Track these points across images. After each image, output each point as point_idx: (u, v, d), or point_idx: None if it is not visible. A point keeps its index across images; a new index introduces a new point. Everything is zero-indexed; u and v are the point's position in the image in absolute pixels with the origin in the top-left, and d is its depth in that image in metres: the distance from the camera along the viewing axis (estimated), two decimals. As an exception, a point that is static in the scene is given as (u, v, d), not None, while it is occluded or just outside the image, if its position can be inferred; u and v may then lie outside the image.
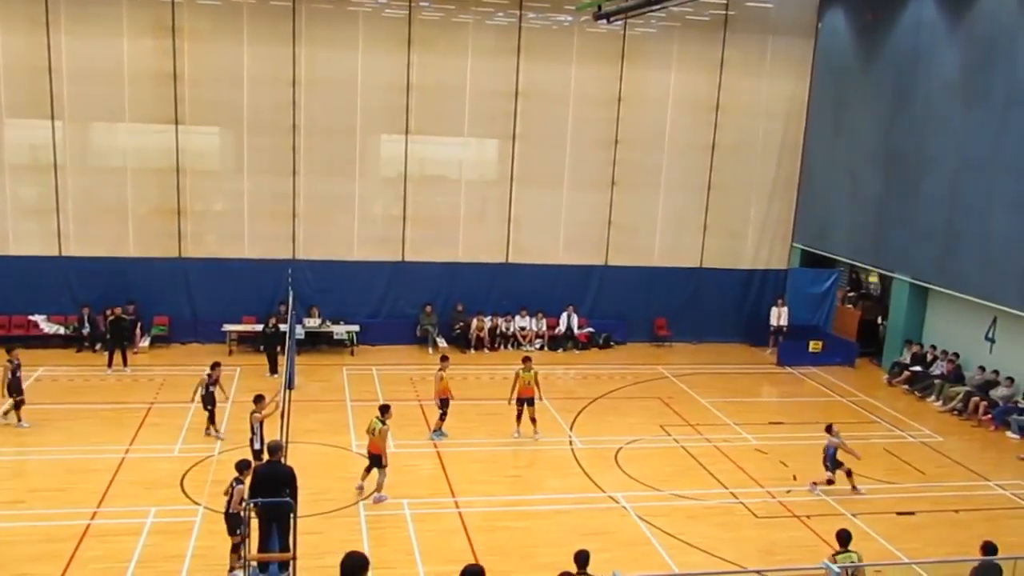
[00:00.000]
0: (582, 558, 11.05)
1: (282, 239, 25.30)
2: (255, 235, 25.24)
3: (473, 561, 13.69)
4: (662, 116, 26.93)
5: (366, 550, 13.82)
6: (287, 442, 13.46)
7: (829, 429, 17.02)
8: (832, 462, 16.81)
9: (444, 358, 19.53)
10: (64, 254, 24.35)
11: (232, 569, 12.61)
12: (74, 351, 23.71)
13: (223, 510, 12.85)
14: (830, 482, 16.83)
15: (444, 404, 18.69)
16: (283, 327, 22.07)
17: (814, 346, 26.02)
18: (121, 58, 23.80)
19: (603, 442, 19.05)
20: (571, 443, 19.02)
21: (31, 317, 24.06)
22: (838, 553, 11.81)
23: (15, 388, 18.18)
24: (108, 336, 22.80)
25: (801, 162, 27.89)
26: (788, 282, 27.73)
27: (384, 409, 15.98)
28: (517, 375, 18.93)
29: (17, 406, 18.27)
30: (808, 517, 15.73)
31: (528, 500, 16.02)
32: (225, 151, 25.47)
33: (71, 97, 23.77)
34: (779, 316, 26.91)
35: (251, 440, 15.65)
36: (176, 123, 24.28)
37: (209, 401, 18.17)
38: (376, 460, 15.70)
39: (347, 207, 25.74)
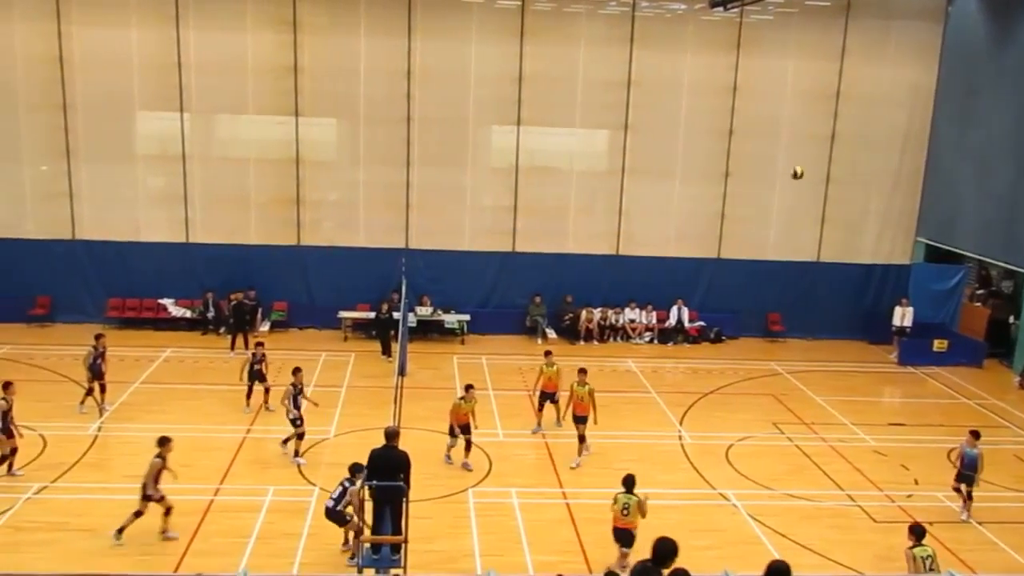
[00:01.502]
0: (629, 480, 12.88)
1: (395, 228, 25.80)
2: (369, 224, 25.83)
3: (580, 551, 13.75)
4: (778, 105, 26.26)
5: (473, 537, 14.07)
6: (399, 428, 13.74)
7: (976, 435, 15.53)
8: (967, 474, 15.35)
9: (548, 353, 19.53)
10: (191, 241, 25.45)
11: (353, 556, 12.89)
12: (199, 334, 24.78)
13: (329, 507, 13.02)
14: (959, 492, 15.59)
15: (544, 398, 18.71)
16: (396, 314, 22.62)
17: (938, 345, 24.99)
18: (245, 52, 24.68)
19: (713, 438, 18.78)
20: (680, 438, 18.83)
21: (160, 301, 25.27)
22: (915, 546, 11.82)
23: (97, 373, 18.54)
24: (231, 320, 23.75)
25: (927, 152, 26.76)
26: (911, 278, 26.66)
27: (468, 388, 17.12)
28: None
29: (101, 390, 18.64)
30: (931, 524, 15.13)
31: (637, 494, 15.89)
32: (341, 142, 26.13)
33: (198, 90, 24.81)
34: (903, 316, 25.73)
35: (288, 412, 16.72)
36: (296, 115, 25.04)
37: (256, 377, 18.99)
38: (465, 429, 16.54)
39: (458, 197, 26.05)
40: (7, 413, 15.21)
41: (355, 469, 12.94)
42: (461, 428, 16.68)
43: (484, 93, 25.47)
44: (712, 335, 26.50)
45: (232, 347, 23.19)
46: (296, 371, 17.31)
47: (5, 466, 15.03)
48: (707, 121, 26.05)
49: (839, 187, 26.63)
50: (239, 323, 23.37)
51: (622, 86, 25.62)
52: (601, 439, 18.41)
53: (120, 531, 13.33)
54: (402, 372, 19.42)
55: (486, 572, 12.64)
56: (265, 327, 25.15)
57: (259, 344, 19.65)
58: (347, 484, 12.90)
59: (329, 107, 25.49)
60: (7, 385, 15.52)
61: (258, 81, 24.86)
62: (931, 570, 11.57)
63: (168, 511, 13.49)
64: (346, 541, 13.19)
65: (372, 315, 24.45)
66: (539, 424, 18.80)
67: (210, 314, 25.09)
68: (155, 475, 13.37)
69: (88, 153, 24.92)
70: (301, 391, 17.06)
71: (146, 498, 13.39)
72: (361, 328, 25.34)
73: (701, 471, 17.06)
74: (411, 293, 23.30)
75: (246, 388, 19.08)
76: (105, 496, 14.90)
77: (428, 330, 25.27)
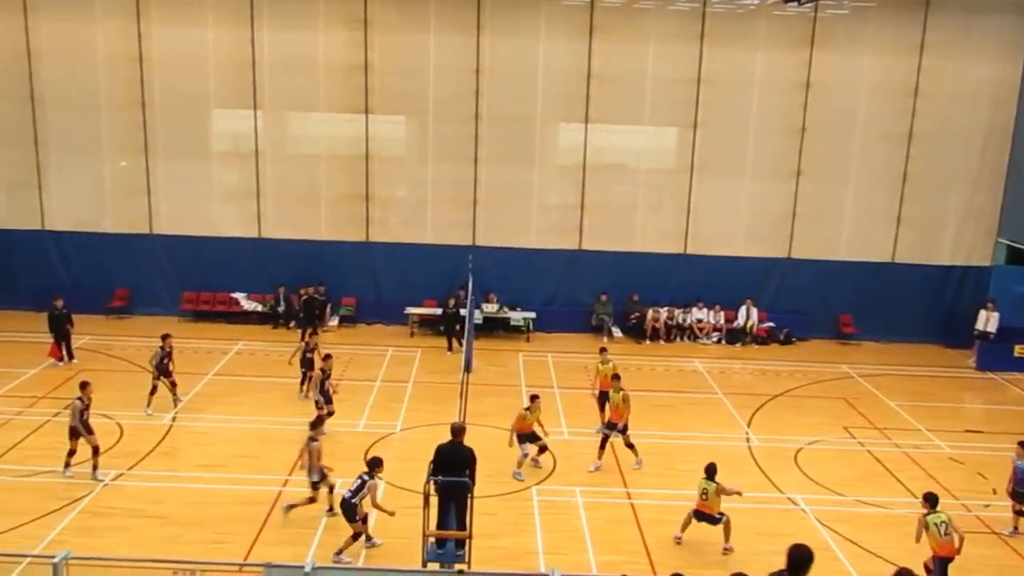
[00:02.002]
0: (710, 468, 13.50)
1: (462, 225, 25.94)
2: (437, 221, 26.02)
3: (644, 552, 13.66)
4: (853, 103, 25.66)
5: (537, 534, 14.08)
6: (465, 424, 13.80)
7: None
8: (1019, 490, 14.64)
9: (603, 350, 19.40)
10: (263, 236, 25.96)
11: (340, 552, 12.92)
12: (270, 327, 25.26)
13: (345, 498, 13.09)
14: (1021, 514, 14.82)
15: (604, 397, 18.56)
16: (463, 310, 22.80)
17: (1020, 350, 24.16)
18: (316, 51, 25.07)
19: (782, 441, 18.48)
20: (747, 440, 18.58)
21: (232, 294, 25.84)
22: (928, 514, 12.42)
23: (163, 371, 18.65)
24: (301, 315, 24.17)
25: (1010, 151, 25.88)
26: (992, 280, 25.84)
27: (533, 398, 16.89)
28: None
29: (172, 385, 18.85)
30: (1010, 534, 14.69)
31: (702, 495, 15.75)
32: (411, 139, 26.35)
33: (271, 88, 25.28)
34: (987, 321, 24.82)
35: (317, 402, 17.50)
36: (366, 112, 25.34)
37: (306, 365, 19.47)
38: (531, 437, 16.46)
39: (525, 195, 26.08)
40: (84, 412, 15.47)
41: (373, 464, 13.19)
42: (527, 437, 16.56)
43: (552, 90, 25.45)
44: (781, 336, 26.07)
45: (302, 339, 23.55)
46: (327, 358, 18.37)
47: (90, 466, 15.33)
48: (778, 118, 25.62)
49: (916, 186, 25.93)
50: (309, 317, 23.76)
51: (691, 83, 25.34)
52: (666, 440, 18.27)
53: (290, 507, 14.13)
54: (468, 369, 19.58)
55: (550, 570, 12.66)
56: (334, 322, 25.54)
57: (314, 334, 20.01)
58: (365, 478, 13.04)
59: (398, 104, 25.74)
60: (84, 385, 15.77)
61: (329, 79, 25.22)
62: (947, 535, 12.28)
63: None
64: (340, 551, 13.01)
65: (439, 311, 24.64)
66: (602, 423, 18.66)
67: (281, 308, 25.55)
68: (317, 456, 14.04)
69: (165, 150, 25.59)
70: (328, 376, 17.89)
71: (314, 485, 14.08)
72: (427, 324, 25.55)
73: (769, 474, 16.80)
74: (477, 290, 23.41)
75: (300, 375, 19.62)
76: (177, 484, 15.30)
77: (494, 327, 25.35)
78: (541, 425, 16.76)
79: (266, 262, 25.84)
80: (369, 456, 13.70)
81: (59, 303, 21.63)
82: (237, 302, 25.85)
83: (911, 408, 20.80)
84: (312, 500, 14.07)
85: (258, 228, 25.97)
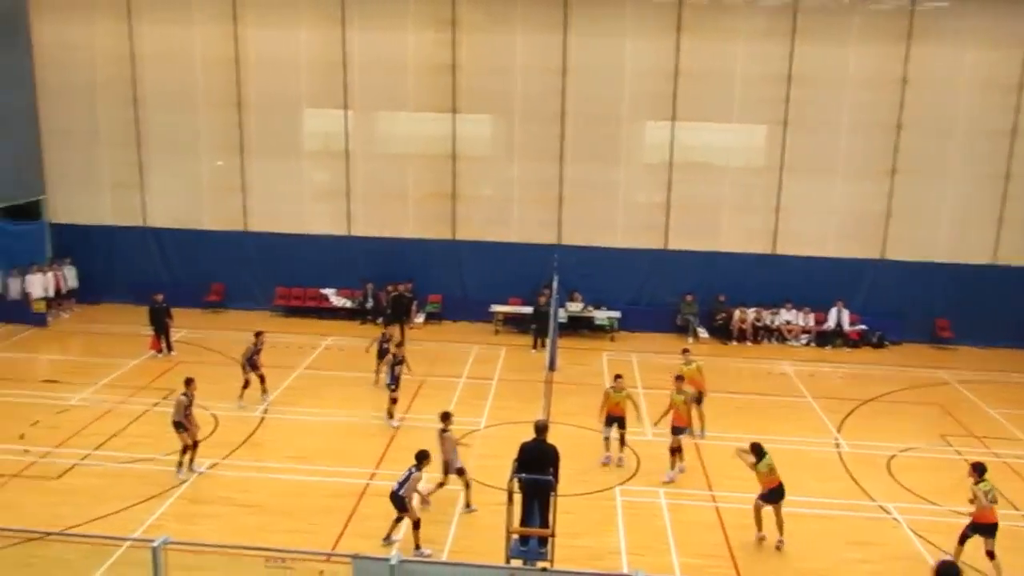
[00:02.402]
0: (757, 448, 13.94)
1: (547, 224, 25.98)
2: (522, 219, 26.12)
3: (729, 557, 13.48)
4: (953, 98, 24.78)
5: (620, 535, 14.03)
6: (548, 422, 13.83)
7: None
8: None
9: (685, 351, 19.15)
10: (352, 234, 26.45)
11: (417, 546, 13.09)
12: (358, 323, 25.71)
13: (394, 490, 13.33)
14: None
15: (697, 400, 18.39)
16: (575, 307, 23.16)
17: None
18: (405, 51, 25.43)
19: (874, 447, 17.99)
20: (837, 445, 18.15)
21: (322, 290, 26.41)
22: (978, 482, 13.08)
23: (253, 366, 18.96)
24: (389, 311, 24.56)
25: (1124, 148, 24.66)
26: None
27: (616, 377, 17.15)
28: (680, 369, 18.33)
29: (261, 380, 19.08)
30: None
31: (787, 501, 15.35)
32: (496, 138, 26.50)
33: (360, 88, 25.75)
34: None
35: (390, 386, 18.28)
36: (453, 111, 25.59)
37: (383, 356, 19.82)
38: (620, 422, 16.56)
39: (610, 193, 25.96)
40: (188, 408, 15.86)
41: (421, 456, 13.53)
42: (614, 419, 16.62)
43: (638, 88, 25.28)
44: (874, 339, 25.37)
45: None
46: (399, 345, 19.23)
47: (187, 458, 15.76)
48: (872, 115, 24.92)
49: (1020, 184, 24.92)
50: (397, 314, 24.13)
51: (782, 80, 24.85)
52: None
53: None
54: (552, 367, 19.59)
55: (633, 571, 12.61)
56: (420, 319, 25.87)
57: (402, 332, 21.29)
58: (412, 470, 13.36)
59: (485, 104, 25.92)
60: (189, 381, 16.17)
61: (417, 79, 25.55)
62: (993, 501, 13.10)
63: None
64: (417, 546, 13.18)
65: (524, 310, 24.79)
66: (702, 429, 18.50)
67: (369, 304, 26.00)
68: (452, 446, 14.61)
69: (259, 149, 26.33)
70: (400, 362, 18.62)
71: (456, 472, 14.70)
72: (512, 322, 25.67)
73: (859, 481, 16.39)
74: (562, 289, 23.42)
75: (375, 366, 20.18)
76: (268, 475, 15.73)
77: (578, 326, 25.31)
78: (636, 407, 16.90)
79: (355, 259, 26.33)
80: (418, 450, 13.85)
81: (159, 297, 22.43)
82: (326, 298, 26.41)
83: (1014, 416, 20.01)
84: (442, 484, 14.73)
85: (347, 226, 26.48)
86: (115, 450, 16.54)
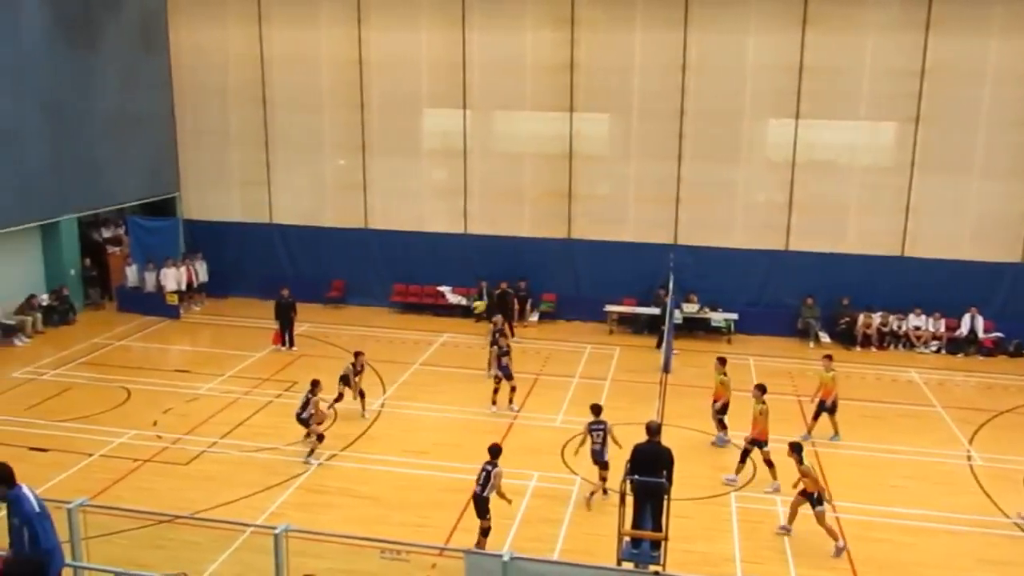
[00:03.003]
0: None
1: (664, 223, 25.66)
2: (638, 218, 25.89)
3: (850, 570, 13.04)
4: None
5: (735, 542, 13.76)
6: (663, 424, 13.68)
7: None
8: None
9: (829, 357, 18.45)
10: (468, 232, 26.77)
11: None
12: (473, 321, 25.95)
13: (476, 492, 13.03)
14: None
15: (821, 407, 17.86)
16: (692, 308, 23.76)
17: None
18: (524, 50, 25.57)
19: (1010, 461, 17.06)
20: (969, 458, 17.30)
21: (439, 288, 26.81)
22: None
23: (346, 382, 18.42)
24: (495, 308, 24.68)
25: None
26: None
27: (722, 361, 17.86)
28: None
29: (360, 396, 18.59)
30: None
31: (913, 515, 14.83)
32: (614, 136, 26.32)
33: (479, 88, 26.03)
34: None
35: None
36: (570, 110, 25.58)
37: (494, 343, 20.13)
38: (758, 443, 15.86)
39: (730, 192, 25.45)
40: (315, 404, 16.46)
41: (495, 451, 13.18)
42: (725, 408, 17.08)
43: (761, 85, 24.69)
44: (1011, 348, 24.06)
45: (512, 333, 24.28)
46: (504, 335, 19.79)
47: (308, 448, 16.39)
48: (1016, 111, 23.60)
49: None
50: (502, 311, 24.16)
51: (914, 75, 23.82)
52: (875, 453, 17.35)
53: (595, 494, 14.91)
54: (667, 369, 19.33)
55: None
56: (534, 317, 25.95)
57: (509, 329, 22.06)
58: (489, 468, 12.98)
59: (603, 102, 25.79)
60: (315, 384, 16.66)
61: (535, 78, 25.65)
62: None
63: None
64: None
65: (639, 310, 24.61)
66: (808, 433, 17.98)
67: (483, 302, 26.24)
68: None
69: (380, 148, 26.95)
70: (507, 353, 19.14)
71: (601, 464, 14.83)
72: (626, 322, 25.48)
73: (993, 497, 15.57)
74: (678, 289, 23.09)
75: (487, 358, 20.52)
76: (384, 468, 16.07)
77: (694, 328, 24.90)
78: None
79: (470, 257, 26.62)
80: (493, 444, 13.58)
81: (285, 292, 23.16)
82: (442, 295, 26.80)
83: None
84: (604, 479, 14.79)
85: (464, 223, 26.82)
86: (240, 439, 17.21)
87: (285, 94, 27.21)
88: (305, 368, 21.15)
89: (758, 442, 15.68)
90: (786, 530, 14.06)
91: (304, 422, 16.42)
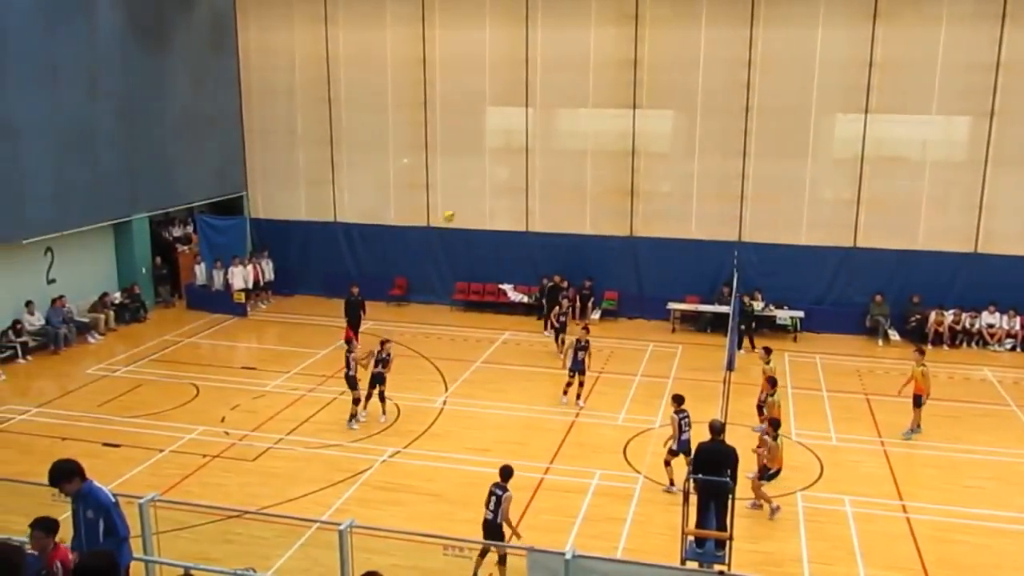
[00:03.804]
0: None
1: (728, 220, 25.32)
2: (702, 216, 25.58)
3: (922, 571, 12.72)
4: None
5: (802, 542, 13.54)
6: (726, 423, 13.51)
7: None
8: None
9: (920, 351, 18.18)
10: (529, 229, 26.77)
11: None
12: (534, 319, 25.90)
13: (488, 519, 12.05)
14: None
15: (916, 401, 17.60)
16: (757, 306, 23.42)
17: None
18: (587, 47, 25.44)
19: (1089, 464, 16.50)
20: (1047, 460, 16.75)
21: (500, 286, 26.86)
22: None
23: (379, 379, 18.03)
24: (544, 300, 24.92)
25: None
26: None
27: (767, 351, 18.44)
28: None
29: (381, 398, 18.13)
30: None
31: (990, 516, 14.40)
32: (677, 133, 26.04)
33: (542, 85, 25.98)
34: None
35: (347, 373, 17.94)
36: (633, 107, 25.39)
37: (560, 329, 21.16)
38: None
39: (796, 189, 25.01)
40: (354, 358, 17.79)
41: (505, 474, 12.15)
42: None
43: (829, 80, 24.19)
44: (1090, 347, 23.31)
45: (545, 327, 24.50)
46: (585, 329, 19.52)
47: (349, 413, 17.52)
48: (1095, 103, 22.82)
49: None
50: (551, 303, 24.13)
51: (989, 68, 23.09)
52: (949, 453, 16.90)
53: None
54: (730, 367, 19.06)
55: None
56: (596, 315, 25.82)
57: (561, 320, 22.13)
58: (499, 492, 11.98)
59: (667, 99, 25.53)
60: (349, 340, 18.55)
61: (598, 75, 25.50)
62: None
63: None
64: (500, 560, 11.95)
65: (702, 308, 24.43)
66: (916, 425, 17.83)
67: (545, 300, 26.20)
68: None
69: (443, 146, 27.09)
70: (585, 348, 18.93)
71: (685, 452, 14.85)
72: (689, 320, 25.22)
73: (1073, 501, 15.06)
74: (742, 287, 22.76)
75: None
76: (448, 465, 16.14)
77: (760, 326, 24.48)
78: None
79: (532, 255, 26.59)
80: (502, 466, 12.49)
81: (355, 290, 23.22)
82: (504, 293, 26.84)
83: None
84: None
85: (526, 221, 26.81)
86: (305, 435, 17.44)
87: (350, 93, 27.52)
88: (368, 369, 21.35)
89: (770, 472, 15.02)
90: (757, 506, 14.35)
91: (352, 381, 17.47)
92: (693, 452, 12.62)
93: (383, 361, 17.90)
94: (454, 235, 27.18)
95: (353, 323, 23.10)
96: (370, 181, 27.97)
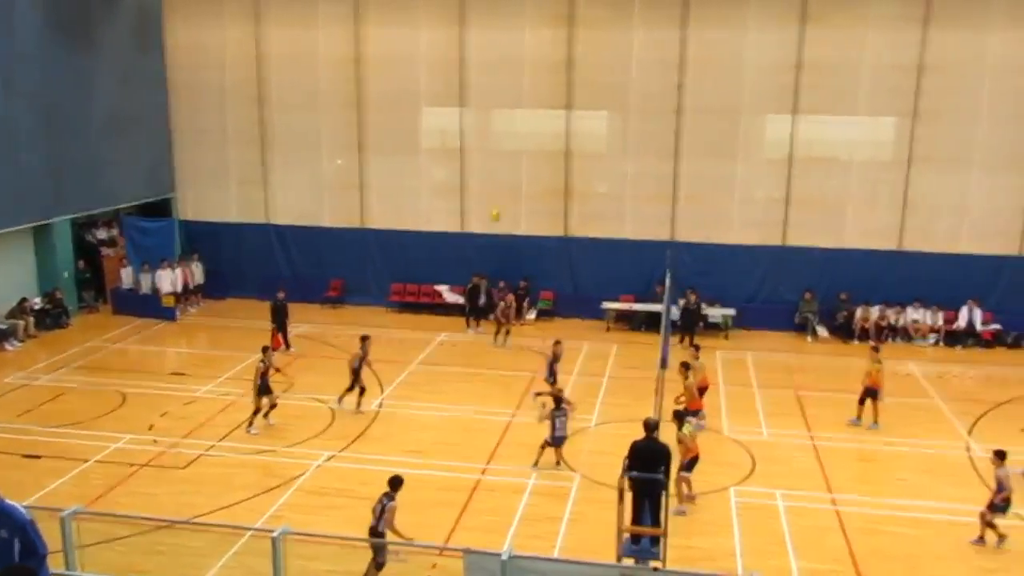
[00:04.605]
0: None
1: (661, 220, 25.64)
2: (636, 215, 25.86)
3: (851, 563, 13.02)
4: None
5: (735, 536, 13.75)
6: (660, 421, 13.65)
7: (1000, 455, 13.85)
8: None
9: (876, 348, 18.97)
10: (465, 230, 26.73)
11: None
12: (472, 319, 25.80)
13: (372, 526, 12.09)
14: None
15: (867, 394, 18.20)
16: (703, 308, 23.96)
17: None
18: (522, 48, 25.53)
19: (1010, 452, 17.00)
20: (968, 450, 17.29)
21: (436, 287, 26.77)
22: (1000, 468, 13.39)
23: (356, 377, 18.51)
24: (467, 302, 25.21)
25: None
26: None
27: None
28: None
29: (360, 392, 18.60)
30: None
31: (917, 506, 14.84)
32: (612, 134, 26.26)
33: (477, 86, 25.96)
34: None
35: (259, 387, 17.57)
36: (568, 108, 25.53)
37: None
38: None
39: (727, 189, 25.43)
40: (265, 374, 17.42)
41: (394, 483, 12.25)
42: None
43: (759, 82, 24.65)
44: (1010, 340, 24.10)
45: (467, 324, 24.99)
46: (557, 342, 19.55)
47: (257, 418, 17.41)
48: (1015, 104, 23.58)
49: None
50: (471, 304, 24.66)
51: (912, 70, 23.79)
52: (879, 446, 17.36)
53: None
54: (664, 365, 19.31)
55: (749, 573, 12.35)
56: (531, 315, 25.90)
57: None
58: (385, 501, 12.06)
59: (601, 100, 25.72)
60: (266, 349, 17.89)
61: (533, 76, 25.60)
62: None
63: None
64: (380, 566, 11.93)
65: (636, 307, 24.70)
66: (858, 417, 18.30)
67: (481, 301, 26.15)
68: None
69: (377, 147, 26.88)
70: (558, 359, 19.20)
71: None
72: (624, 319, 25.46)
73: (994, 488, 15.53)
74: (676, 286, 23.02)
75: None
76: (383, 468, 15.83)
77: (692, 324, 24.82)
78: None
79: (468, 256, 26.52)
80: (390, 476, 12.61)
81: (281, 295, 22.98)
82: (440, 294, 26.77)
83: None
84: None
85: (461, 222, 26.76)
86: (238, 441, 17.14)
87: (282, 92, 27.13)
88: (303, 369, 21.14)
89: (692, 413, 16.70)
90: (681, 512, 14.30)
91: (264, 388, 17.39)
92: (628, 449, 12.68)
93: (364, 359, 18.64)
94: (390, 236, 27.00)
95: (280, 327, 22.79)
96: (303, 182, 27.63)
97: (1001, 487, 13.48)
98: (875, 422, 18.12)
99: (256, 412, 17.50)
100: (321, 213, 27.56)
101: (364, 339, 18.96)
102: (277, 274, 26.88)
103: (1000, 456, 13.70)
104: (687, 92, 24.89)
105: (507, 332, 23.77)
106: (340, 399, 18.76)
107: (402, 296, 27.03)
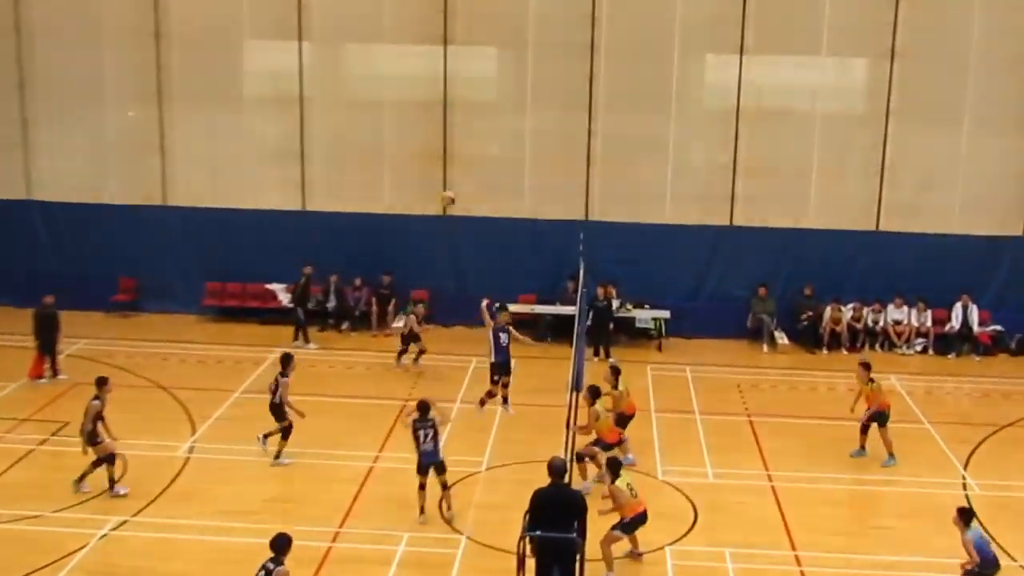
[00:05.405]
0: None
1: (572, 194, 25.90)
2: (538, 188, 26.07)
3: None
4: None
5: (674, 612, 13.82)
6: (572, 461, 13.66)
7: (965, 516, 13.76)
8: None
9: (865, 365, 19.05)
10: (308, 208, 26.42)
11: None
12: (316, 330, 25.54)
13: None
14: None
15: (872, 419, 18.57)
16: (614, 306, 24.40)
17: None
18: (381, -39, 25.41)
19: (1015, 488, 17.76)
20: (964, 487, 17.90)
21: (268, 286, 26.37)
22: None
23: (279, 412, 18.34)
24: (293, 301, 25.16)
25: None
26: None
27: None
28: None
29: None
30: None
31: (903, 563, 15.19)
32: (503, 79, 26.46)
33: (321, 12, 25.69)
34: None
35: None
36: (444, 43, 25.44)
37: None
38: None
39: (658, 153, 25.84)
40: (99, 415, 16.63)
41: (280, 545, 12.22)
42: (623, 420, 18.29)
43: (695, 12, 25.12)
44: (1013, 345, 25.22)
45: (295, 337, 24.72)
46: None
47: (107, 481, 16.54)
48: (1009, 46, 24.66)
49: None
50: (301, 306, 24.80)
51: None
52: (852, 486, 17.79)
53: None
54: (577, 387, 19.40)
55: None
56: (399, 323, 25.44)
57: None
58: (270, 566, 12.07)
59: (488, 33, 25.86)
60: (102, 381, 16.97)
61: (397, 0, 25.43)
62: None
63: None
64: None
65: (539, 309, 24.81)
66: (861, 447, 18.75)
67: (331, 304, 25.84)
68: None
69: (184, 96, 26.37)
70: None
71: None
72: (525, 325, 25.44)
73: (995, 535, 16.05)
74: (591, 280, 23.19)
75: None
76: (196, 536, 15.55)
77: (616, 330, 25.09)
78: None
79: (313, 243, 26.17)
80: (274, 535, 12.39)
81: (50, 300, 22.22)
82: (274, 296, 26.35)
83: None
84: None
85: (302, 199, 26.43)
86: (-8, 503, 16.46)
87: (49, 21, 26.30)
88: (80, 401, 20.22)
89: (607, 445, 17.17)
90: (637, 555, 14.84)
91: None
92: (530, 501, 12.63)
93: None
94: (202, 218, 26.47)
95: (46, 345, 22.00)
96: (79, 144, 26.97)
97: (971, 555, 13.35)
98: (890, 455, 18.41)
99: (96, 464, 16.75)
100: (105, 186, 26.89)
101: (285, 360, 18.64)
102: (43, 271, 26.11)
103: (965, 518, 13.52)
104: (603, 24, 25.14)
105: (420, 351, 23.37)
106: (264, 438, 18.40)
107: (220, 299, 26.61)
